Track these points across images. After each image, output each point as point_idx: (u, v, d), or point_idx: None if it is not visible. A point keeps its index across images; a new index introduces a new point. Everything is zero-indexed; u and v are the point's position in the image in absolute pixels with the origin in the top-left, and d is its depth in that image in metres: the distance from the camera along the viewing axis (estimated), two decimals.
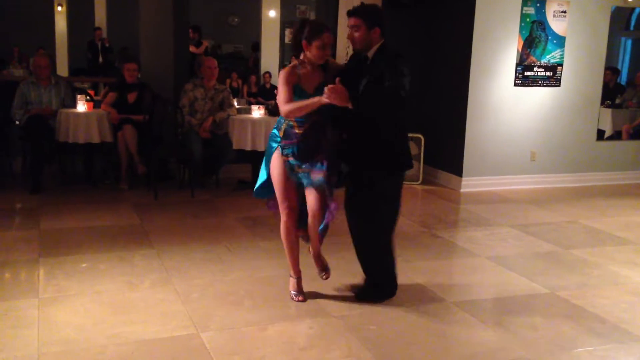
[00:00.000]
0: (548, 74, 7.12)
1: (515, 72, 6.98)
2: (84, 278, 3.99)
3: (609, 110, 7.73)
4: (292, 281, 3.83)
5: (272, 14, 12.87)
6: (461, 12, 6.91)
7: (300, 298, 3.77)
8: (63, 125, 6.16)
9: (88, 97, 6.61)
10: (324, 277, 3.90)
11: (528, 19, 6.91)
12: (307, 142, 3.56)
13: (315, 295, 3.83)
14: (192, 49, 9.41)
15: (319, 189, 3.57)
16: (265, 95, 11.14)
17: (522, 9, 6.87)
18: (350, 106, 3.35)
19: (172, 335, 3.26)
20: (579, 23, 7.14)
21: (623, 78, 8.36)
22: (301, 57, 3.58)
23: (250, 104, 8.59)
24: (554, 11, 6.98)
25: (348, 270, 4.18)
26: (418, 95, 7.51)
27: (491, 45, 6.84)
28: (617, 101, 7.98)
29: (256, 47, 13.58)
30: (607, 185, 7.54)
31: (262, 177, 3.78)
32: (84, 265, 4.23)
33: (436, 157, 7.35)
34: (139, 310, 3.54)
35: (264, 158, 3.76)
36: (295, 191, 3.68)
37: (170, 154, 6.63)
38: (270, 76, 11.75)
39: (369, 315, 3.60)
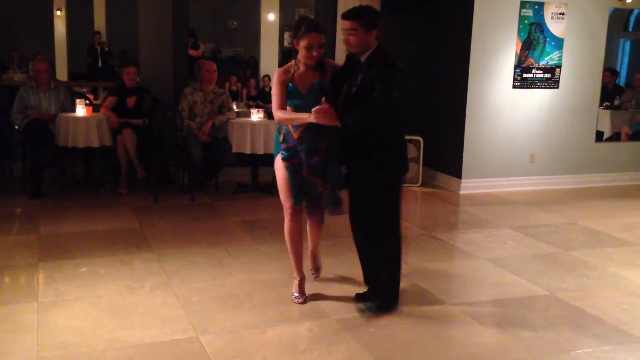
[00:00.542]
0: (546, 75, 7.13)
1: (514, 74, 6.99)
2: (84, 282, 3.99)
3: (607, 112, 7.74)
4: (295, 282, 3.84)
5: (271, 17, 12.89)
6: (459, 15, 6.92)
7: (301, 300, 3.78)
8: (62, 129, 6.16)
9: (87, 102, 6.61)
10: (313, 275, 3.98)
11: (526, 21, 6.92)
12: (304, 145, 3.57)
13: (315, 298, 3.83)
14: (190, 52, 9.42)
15: (316, 201, 3.61)
16: (265, 98, 11.15)
17: (520, 11, 6.88)
18: (338, 124, 3.34)
19: (172, 339, 3.26)
20: (577, 25, 7.15)
21: (622, 79, 8.36)
22: (298, 57, 3.58)
23: (249, 107, 8.59)
24: (552, 13, 6.99)
25: (348, 272, 4.19)
26: (417, 98, 7.53)
27: (489, 47, 6.85)
28: (616, 102, 7.98)
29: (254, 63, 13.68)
30: (606, 187, 7.54)
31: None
32: (83, 269, 4.23)
33: (435, 159, 7.36)
34: (138, 314, 3.54)
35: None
36: (302, 194, 3.70)
37: (170, 157, 6.64)
38: (269, 79, 11.76)
39: (368, 318, 3.60)
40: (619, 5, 7.37)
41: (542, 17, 6.96)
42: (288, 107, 3.55)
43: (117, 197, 6.26)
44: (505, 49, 6.91)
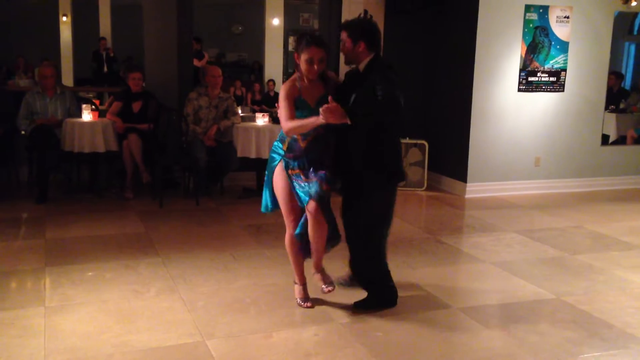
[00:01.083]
0: (552, 79, 7.12)
1: (519, 78, 6.98)
2: (90, 287, 4.00)
3: (613, 115, 7.72)
4: (298, 288, 3.84)
5: (276, 22, 12.92)
6: (464, 19, 6.93)
7: (309, 304, 3.78)
8: (68, 134, 6.19)
9: (93, 107, 6.64)
10: (326, 290, 3.77)
11: (531, 25, 6.92)
12: (311, 155, 3.58)
13: (321, 302, 3.83)
14: (194, 62, 9.45)
15: (318, 201, 3.59)
16: (269, 102, 11.17)
17: (525, 15, 6.88)
18: (348, 122, 3.35)
19: (178, 343, 3.27)
20: (582, 28, 7.14)
21: (627, 83, 8.34)
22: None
23: (254, 111, 8.61)
24: (557, 17, 6.99)
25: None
26: (422, 102, 7.54)
27: (494, 51, 6.85)
28: (622, 106, 7.96)
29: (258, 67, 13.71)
30: (612, 190, 7.52)
31: (265, 196, 3.76)
32: (89, 273, 4.24)
33: (440, 163, 7.36)
34: (144, 319, 3.55)
35: (266, 176, 3.74)
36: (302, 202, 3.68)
37: (175, 162, 6.66)
38: (274, 84, 11.79)
39: (374, 322, 3.60)
40: (624, 8, 7.36)
41: (547, 20, 6.96)
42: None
43: (122, 202, 6.28)
44: (510, 53, 6.90)
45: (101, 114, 6.62)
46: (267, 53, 12.89)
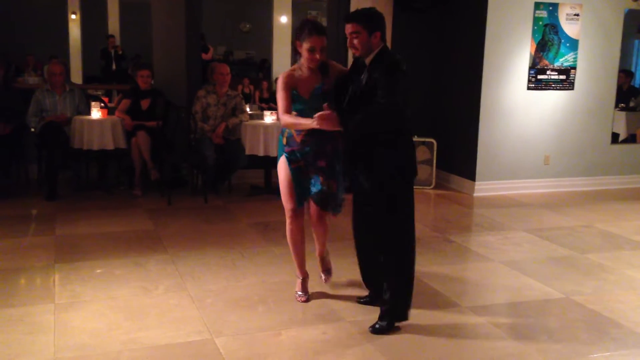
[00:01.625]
0: (561, 77, 7.08)
1: (528, 76, 6.95)
2: (99, 284, 4.02)
3: (623, 114, 7.68)
4: (298, 281, 3.88)
5: (284, 19, 12.91)
6: (473, 16, 6.90)
7: (303, 299, 3.81)
8: (77, 132, 6.21)
9: (102, 104, 6.66)
10: (324, 278, 3.95)
11: (540, 23, 6.88)
12: (309, 147, 3.59)
13: (329, 301, 3.83)
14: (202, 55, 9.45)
15: (321, 198, 3.60)
16: (277, 101, 11.15)
17: (534, 13, 6.84)
18: (341, 130, 3.33)
19: (187, 341, 3.27)
20: (592, 26, 7.10)
21: (637, 81, 8.29)
22: (301, 59, 3.57)
23: (262, 109, 8.60)
24: (567, 14, 6.95)
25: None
26: (430, 100, 7.51)
27: (503, 49, 6.81)
28: (631, 104, 7.91)
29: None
30: (622, 189, 7.47)
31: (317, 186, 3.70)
32: (99, 270, 4.26)
33: (449, 161, 7.33)
34: (153, 316, 3.56)
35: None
36: (303, 196, 3.72)
37: (183, 160, 6.67)
38: None
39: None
40: (634, 6, 7.31)
41: (556, 18, 6.92)
42: (292, 112, 3.57)
43: (131, 199, 6.29)
44: (520, 51, 6.87)
45: (110, 111, 6.64)
46: (275, 51, 12.89)
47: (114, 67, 13.26)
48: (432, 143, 7.21)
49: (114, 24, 14.36)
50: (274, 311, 3.67)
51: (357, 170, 3.55)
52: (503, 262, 4.71)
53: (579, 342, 3.40)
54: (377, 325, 3.47)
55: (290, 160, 3.65)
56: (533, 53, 6.91)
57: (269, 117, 6.61)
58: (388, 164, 3.41)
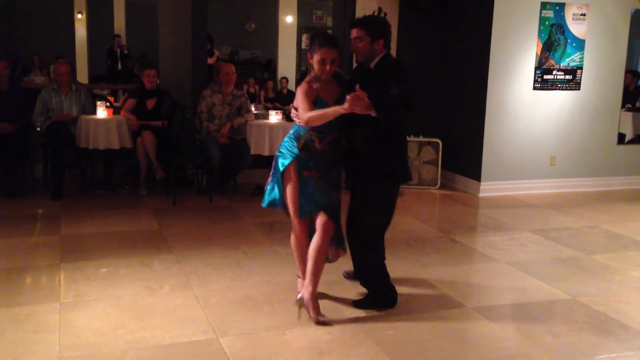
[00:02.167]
0: (567, 77, 7.06)
1: (534, 76, 6.93)
2: (104, 283, 4.02)
3: (629, 114, 7.65)
4: (300, 281, 3.87)
5: (289, 19, 12.91)
6: (479, 16, 6.88)
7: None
8: (83, 131, 6.23)
9: (108, 104, 6.68)
10: (301, 305, 3.59)
11: (547, 22, 6.86)
12: (326, 157, 3.57)
13: (334, 300, 3.83)
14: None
15: (332, 212, 3.57)
16: (283, 100, 11.16)
17: (540, 13, 6.82)
18: (373, 113, 3.30)
19: (191, 340, 3.27)
20: (599, 26, 7.07)
21: None
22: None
23: (267, 109, 8.61)
24: (573, 14, 6.93)
25: None
26: (436, 100, 7.50)
27: (510, 48, 6.80)
28: (638, 104, 7.88)
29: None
30: (628, 190, 7.44)
31: (275, 191, 3.67)
32: (104, 270, 4.27)
33: (454, 161, 7.32)
34: (158, 315, 3.56)
35: (274, 174, 3.66)
36: (313, 207, 3.62)
37: (189, 159, 6.68)
38: (287, 82, 11.78)
39: (387, 321, 3.58)
40: None
41: (563, 18, 6.90)
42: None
43: (136, 199, 6.31)
44: (526, 50, 6.85)
45: (115, 111, 6.65)
46: (280, 51, 12.88)
47: (119, 66, 13.30)
48: (437, 143, 7.19)
49: (119, 24, 14.40)
50: (279, 311, 3.67)
51: (353, 169, 3.68)
52: (508, 263, 4.70)
53: (585, 343, 3.39)
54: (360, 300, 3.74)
55: (303, 168, 3.52)
56: (539, 53, 6.89)
57: (274, 117, 6.61)
58: (380, 165, 3.57)
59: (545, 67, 6.94)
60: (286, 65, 12.72)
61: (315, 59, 3.49)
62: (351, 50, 3.61)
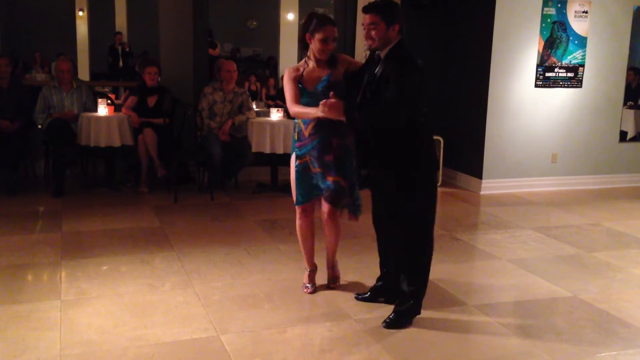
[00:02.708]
0: (569, 74, 7.04)
1: (536, 73, 6.91)
2: (105, 280, 4.02)
3: (631, 112, 7.62)
4: (306, 273, 3.91)
5: (291, 16, 12.91)
6: (481, 13, 6.87)
7: (310, 290, 3.85)
8: (84, 129, 6.22)
9: (109, 101, 6.67)
10: (331, 285, 3.95)
11: (549, 20, 6.84)
12: (318, 140, 3.60)
13: (336, 298, 3.82)
14: (209, 51, 9.46)
15: (331, 195, 3.59)
16: (284, 98, 11.14)
17: (542, 10, 6.80)
18: (344, 119, 3.29)
19: (193, 338, 3.27)
20: (601, 23, 7.05)
21: None
22: (308, 53, 3.59)
23: (269, 106, 8.60)
24: (575, 11, 6.91)
25: (368, 272, 4.16)
26: (437, 97, 7.48)
27: (511, 46, 6.78)
28: None
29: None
30: (630, 187, 7.43)
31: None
32: (105, 267, 4.27)
33: (456, 159, 7.31)
34: (159, 313, 3.56)
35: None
36: (310, 193, 3.74)
37: (190, 157, 6.67)
38: None
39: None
40: None
41: (565, 15, 6.88)
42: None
43: (138, 196, 6.31)
44: (528, 48, 6.83)
45: (117, 108, 6.65)
46: (281, 48, 12.89)
47: (121, 64, 13.31)
48: (439, 141, 7.18)
49: (121, 21, 14.40)
50: (280, 308, 3.67)
51: (371, 164, 3.54)
52: (510, 261, 4.69)
53: (587, 341, 3.38)
54: (391, 318, 3.47)
55: (297, 157, 3.68)
56: (541, 50, 6.88)
57: (275, 114, 6.61)
58: (403, 157, 3.37)
59: (547, 64, 6.92)
60: (288, 63, 12.71)
61: (317, 38, 3.51)
62: (365, 38, 3.39)
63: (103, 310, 3.57)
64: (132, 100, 6.62)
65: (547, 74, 6.95)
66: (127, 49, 13.39)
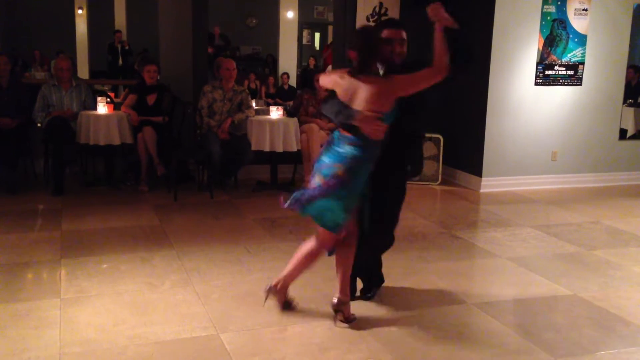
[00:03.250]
0: (569, 72, 7.04)
1: (536, 71, 6.91)
2: (105, 279, 4.02)
3: (631, 109, 7.63)
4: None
5: (290, 15, 12.89)
6: (481, 11, 6.86)
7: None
8: (84, 127, 6.22)
9: (108, 99, 6.67)
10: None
11: (549, 18, 6.83)
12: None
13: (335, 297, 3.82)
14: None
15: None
16: (283, 96, 11.16)
17: (542, 8, 6.80)
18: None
19: (192, 336, 3.27)
20: (601, 21, 7.05)
21: None
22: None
23: (268, 105, 8.60)
24: (575, 9, 6.90)
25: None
26: (437, 95, 7.45)
27: (511, 44, 6.78)
28: None
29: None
30: (630, 185, 7.43)
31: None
32: (104, 266, 4.26)
33: (455, 157, 7.31)
34: (159, 311, 3.56)
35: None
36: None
37: (190, 155, 6.67)
38: (288, 77, 11.77)
39: (388, 317, 3.58)
40: None
41: (564, 13, 6.87)
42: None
43: (137, 195, 6.30)
44: (527, 46, 6.83)
45: (116, 106, 6.65)
46: (281, 46, 12.87)
47: (120, 62, 13.30)
48: (438, 139, 7.18)
49: (120, 19, 14.39)
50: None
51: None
52: (510, 259, 4.69)
53: (586, 339, 3.38)
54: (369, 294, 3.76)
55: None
56: (541, 48, 6.87)
57: (274, 113, 6.60)
58: (402, 161, 3.54)
59: (547, 62, 6.92)
60: (287, 61, 12.71)
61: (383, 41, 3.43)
62: (396, 53, 3.54)
63: (103, 309, 3.57)
64: (131, 98, 6.61)
65: (547, 72, 6.95)
66: (127, 47, 13.38)
